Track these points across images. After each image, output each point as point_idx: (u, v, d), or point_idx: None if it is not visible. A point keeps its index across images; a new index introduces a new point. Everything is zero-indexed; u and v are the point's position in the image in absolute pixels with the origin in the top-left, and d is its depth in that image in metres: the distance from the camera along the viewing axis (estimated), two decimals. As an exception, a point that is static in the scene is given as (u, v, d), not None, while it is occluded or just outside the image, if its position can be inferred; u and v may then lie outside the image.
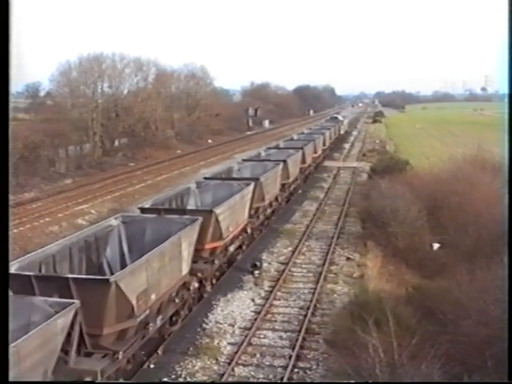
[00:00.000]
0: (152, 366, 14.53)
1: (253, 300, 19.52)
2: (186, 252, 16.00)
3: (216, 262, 19.78)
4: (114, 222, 16.85)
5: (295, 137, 53.11)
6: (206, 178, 25.84)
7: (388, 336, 12.47)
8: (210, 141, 78.80)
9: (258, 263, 22.50)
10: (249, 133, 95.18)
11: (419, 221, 24.73)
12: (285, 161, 32.49)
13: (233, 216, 20.61)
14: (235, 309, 18.66)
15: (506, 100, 9.29)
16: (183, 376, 14.26)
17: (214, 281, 20.15)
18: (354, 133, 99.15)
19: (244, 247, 24.17)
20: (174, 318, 16.30)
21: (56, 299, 11.11)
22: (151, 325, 14.28)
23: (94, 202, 36.59)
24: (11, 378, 8.05)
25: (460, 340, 13.32)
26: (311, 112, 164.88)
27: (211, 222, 18.26)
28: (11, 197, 32.19)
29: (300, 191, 39.54)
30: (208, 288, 19.30)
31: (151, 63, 71.28)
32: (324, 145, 54.95)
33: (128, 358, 13.47)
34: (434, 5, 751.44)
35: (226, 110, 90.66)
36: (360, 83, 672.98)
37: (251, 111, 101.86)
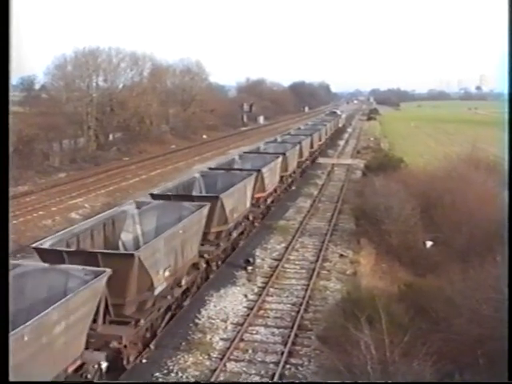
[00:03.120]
0: (144, 360, 14.49)
1: (245, 296, 19.53)
2: (248, 193, 24.40)
3: (261, 206, 28.45)
4: (196, 175, 24.81)
5: (302, 127, 63.22)
6: (245, 153, 35.06)
7: (380, 333, 12.49)
8: (204, 136, 78.75)
9: (251, 259, 22.49)
10: (243, 128, 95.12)
11: (413, 219, 24.78)
12: (300, 142, 41.58)
13: (270, 177, 28.78)
14: (228, 304, 18.65)
15: (507, 100, 9.26)
16: (175, 371, 14.26)
17: (259, 220, 28.76)
18: (349, 130, 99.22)
19: (275, 202, 32.87)
20: (239, 236, 24.27)
21: (193, 203, 18.71)
22: (232, 234, 22.41)
23: (88, 196, 36.51)
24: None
25: (452, 338, 13.35)
26: (306, 109, 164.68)
27: (259, 178, 26.36)
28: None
29: (294, 187, 39.63)
30: (256, 223, 27.98)
31: (147, 58, 71.18)
32: (326, 134, 64.34)
33: (222, 251, 21.40)
34: (430, 3, 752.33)
35: (221, 105, 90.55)
36: (355, 80, 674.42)
37: (246, 107, 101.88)
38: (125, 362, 13.50)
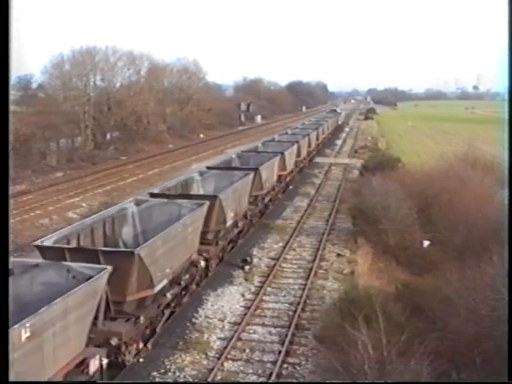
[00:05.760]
0: (141, 360, 14.49)
1: (243, 295, 19.54)
2: (275, 170, 31.56)
3: (282, 182, 35.63)
4: (233, 156, 31.95)
5: (306, 122, 72.48)
6: (265, 141, 42.49)
7: (377, 332, 12.50)
8: (201, 135, 78.71)
9: (248, 258, 22.53)
10: (241, 128, 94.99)
11: (410, 218, 24.77)
12: (308, 135, 48.93)
13: (289, 159, 35.85)
14: (225, 304, 18.67)
15: (506, 99, 9.25)
16: (172, 370, 14.26)
17: (281, 192, 36.17)
18: (346, 129, 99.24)
19: (292, 180, 40.47)
20: (269, 202, 31.46)
21: (240, 171, 26.01)
22: (265, 199, 29.74)
23: (85, 195, 36.46)
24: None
25: (449, 337, 13.38)
26: (304, 108, 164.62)
27: (281, 159, 33.46)
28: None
29: (291, 186, 39.71)
30: (279, 196, 35.46)
31: (144, 57, 71.08)
32: (328, 129, 72.80)
33: (258, 210, 28.77)
34: (428, 2, 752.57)
35: (219, 104, 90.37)
36: (352, 80, 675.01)
37: (243, 106, 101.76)
38: (210, 269, 20.38)
